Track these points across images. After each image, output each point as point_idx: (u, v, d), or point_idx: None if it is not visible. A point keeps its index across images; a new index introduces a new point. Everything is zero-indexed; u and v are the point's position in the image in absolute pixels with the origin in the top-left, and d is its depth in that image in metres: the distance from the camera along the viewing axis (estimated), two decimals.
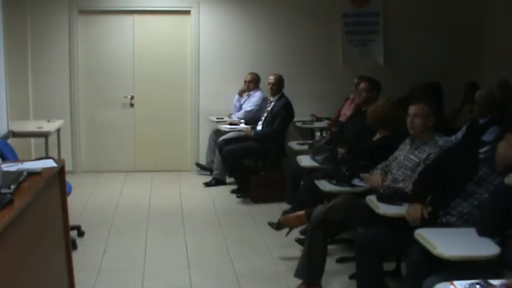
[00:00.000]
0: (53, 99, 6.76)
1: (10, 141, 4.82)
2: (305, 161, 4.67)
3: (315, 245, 3.55)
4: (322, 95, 7.07)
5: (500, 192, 2.70)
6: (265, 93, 6.55)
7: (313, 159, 4.61)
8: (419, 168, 3.46)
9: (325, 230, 3.57)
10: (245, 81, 6.61)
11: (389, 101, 4.29)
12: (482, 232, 2.68)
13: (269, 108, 6.11)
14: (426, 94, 6.00)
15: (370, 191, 3.66)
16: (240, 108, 6.68)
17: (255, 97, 6.58)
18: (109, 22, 6.89)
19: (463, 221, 2.98)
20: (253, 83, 6.57)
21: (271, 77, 6.15)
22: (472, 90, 5.51)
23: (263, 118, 6.15)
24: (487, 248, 2.57)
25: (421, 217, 3.03)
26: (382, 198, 3.31)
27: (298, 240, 4.29)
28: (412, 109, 3.58)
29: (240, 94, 6.71)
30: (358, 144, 4.31)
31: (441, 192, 3.12)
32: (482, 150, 3.02)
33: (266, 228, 4.46)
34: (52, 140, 5.68)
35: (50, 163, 2.95)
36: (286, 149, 6.07)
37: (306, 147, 5.07)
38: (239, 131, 6.29)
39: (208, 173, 6.66)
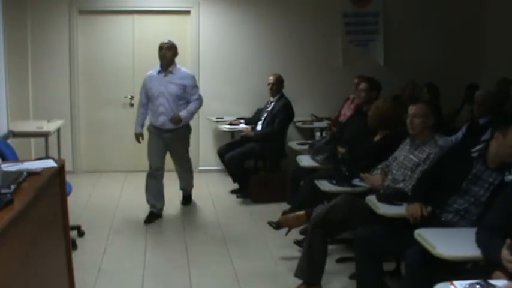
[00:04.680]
0: (53, 99, 6.76)
1: (10, 141, 4.82)
2: (305, 161, 4.66)
3: (315, 245, 3.55)
4: (322, 95, 7.08)
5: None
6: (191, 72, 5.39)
7: (313, 159, 4.60)
8: (420, 168, 3.46)
9: (325, 230, 3.57)
10: (162, 47, 5.08)
11: (388, 100, 4.30)
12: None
13: (269, 109, 6.10)
14: (430, 94, 6.00)
15: (370, 191, 3.66)
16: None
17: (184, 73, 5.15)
18: (109, 22, 6.89)
19: (460, 217, 3.01)
20: (172, 51, 5.08)
21: (271, 77, 6.14)
22: (472, 91, 5.53)
23: (263, 118, 6.14)
24: None
25: (421, 215, 3.04)
26: (382, 198, 3.31)
27: (298, 243, 4.29)
28: (411, 109, 3.60)
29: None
30: (358, 144, 4.31)
31: (438, 192, 3.13)
32: (475, 149, 3.05)
33: (266, 228, 4.46)
34: (52, 140, 5.68)
35: (50, 163, 2.95)
36: (286, 149, 6.07)
37: (306, 147, 5.07)
38: (239, 131, 6.29)
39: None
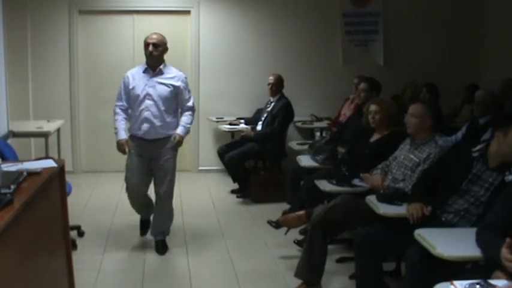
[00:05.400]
0: (53, 99, 6.76)
1: (10, 141, 4.82)
2: (305, 161, 4.66)
3: (314, 245, 3.55)
4: (322, 95, 7.08)
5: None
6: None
7: (313, 159, 4.60)
8: (420, 168, 3.47)
9: (325, 230, 3.57)
10: (149, 43, 4.33)
11: (390, 101, 4.30)
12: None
13: (269, 109, 6.11)
14: (430, 94, 6.00)
15: (370, 191, 3.66)
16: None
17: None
18: (109, 22, 6.89)
19: (460, 218, 3.01)
20: (161, 48, 4.29)
21: (271, 77, 6.14)
22: (472, 91, 5.53)
23: (263, 118, 6.14)
24: None
25: (421, 215, 3.04)
26: (382, 198, 3.31)
27: (298, 243, 4.29)
28: (410, 109, 3.65)
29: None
30: (358, 144, 4.31)
31: (438, 192, 3.13)
32: (475, 148, 3.06)
33: (266, 228, 4.46)
34: (52, 140, 5.68)
35: (50, 163, 2.95)
36: (286, 149, 6.07)
37: (306, 147, 5.07)
38: (239, 131, 6.29)
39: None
